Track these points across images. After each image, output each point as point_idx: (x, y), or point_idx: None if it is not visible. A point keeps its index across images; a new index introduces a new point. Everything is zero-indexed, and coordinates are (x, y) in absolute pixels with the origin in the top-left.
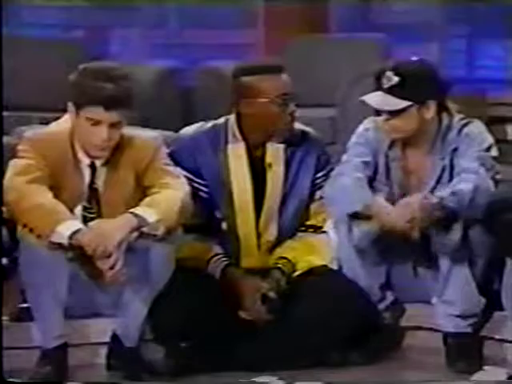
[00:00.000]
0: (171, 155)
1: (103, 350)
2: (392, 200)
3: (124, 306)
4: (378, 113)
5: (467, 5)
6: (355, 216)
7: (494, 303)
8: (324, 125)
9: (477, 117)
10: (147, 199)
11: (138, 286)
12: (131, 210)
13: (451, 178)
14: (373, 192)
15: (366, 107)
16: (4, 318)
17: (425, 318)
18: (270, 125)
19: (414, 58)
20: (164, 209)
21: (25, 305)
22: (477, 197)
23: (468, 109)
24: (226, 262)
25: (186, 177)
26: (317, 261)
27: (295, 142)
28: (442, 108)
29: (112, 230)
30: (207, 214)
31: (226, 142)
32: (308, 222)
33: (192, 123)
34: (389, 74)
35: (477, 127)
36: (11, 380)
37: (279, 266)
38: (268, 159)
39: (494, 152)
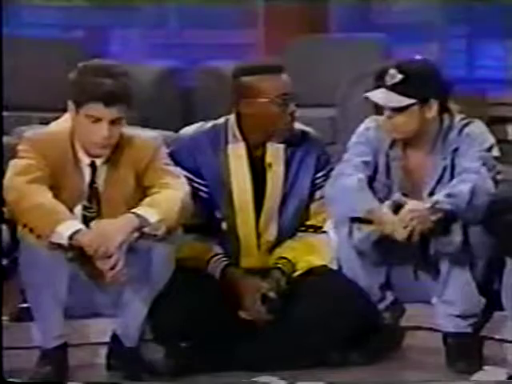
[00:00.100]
0: (171, 155)
1: (103, 350)
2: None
3: (124, 305)
4: (378, 112)
5: (467, 5)
6: (356, 219)
7: (493, 303)
8: (324, 125)
9: (477, 117)
10: (148, 199)
11: (138, 286)
12: (133, 210)
13: (452, 178)
14: (373, 192)
15: (365, 107)
16: (4, 317)
17: (425, 318)
18: (269, 125)
19: (418, 57)
20: (165, 209)
21: (25, 305)
22: (476, 198)
23: (468, 109)
24: (225, 262)
25: (186, 177)
26: (317, 261)
27: (295, 142)
28: (443, 108)
29: (114, 230)
30: (207, 214)
31: (226, 142)
32: (308, 222)
33: (192, 123)
34: (392, 71)
35: (478, 127)
36: (11, 380)
37: (279, 266)
38: (268, 159)
39: (496, 152)
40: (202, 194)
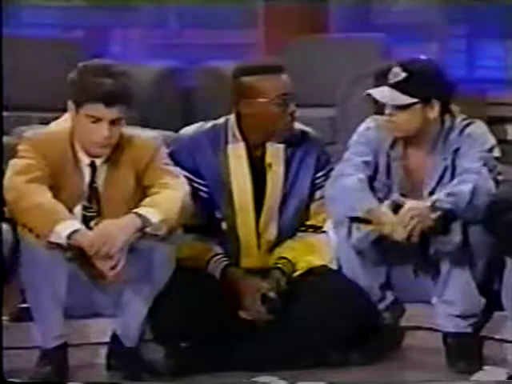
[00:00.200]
0: (171, 155)
1: (103, 350)
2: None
3: (124, 305)
4: (378, 112)
5: (467, 5)
6: (355, 219)
7: (493, 303)
8: (324, 125)
9: (477, 117)
10: (148, 199)
11: (138, 286)
12: (135, 211)
13: (453, 179)
14: (373, 193)
15: (365, 107)
16: (4, 317)
17: (425, 318)
18: (270, 125)
19: (422, 57)
20: (165, 209)
21: (25, 305)
22: (476, 198)
23: (468, 109)
24: (225, 262)
25: (185, 177)
26: (317, 261)
27: (295, 142)
28: (445, 109)
29: (117, 230)
30: (207, 214)
31: (226, 142)
32: (308, 222)
33: (192, 123)
34: (396, 69)
35: (479, 128)
36: (11, 380)
37: (279, 266)
38: (268, 159)
39: (497, 153)
40: (201, 194)
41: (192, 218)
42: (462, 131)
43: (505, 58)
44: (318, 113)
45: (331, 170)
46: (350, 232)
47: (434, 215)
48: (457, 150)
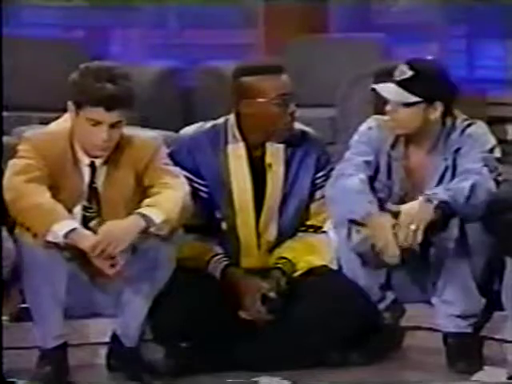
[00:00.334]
0: (171, 155)
1: (103, 350)
2: (392, 200)
3: (124, 305)
4: (379, 112)
5: (467, 5)
6: (355, 221)
7: (494, 303)
8: (324, 125)
9: (477, 117)
10: (150, 200)
11: (138, 286)
12: (138, 211)
13: (453, 179)
14: (374, 193)
15: (365, 107)
16: (4, 317)
17: (425, 318)
18: (269, 125)
19: (429, 57)
20: (167, 209)
21: (25, 305)
22: (475, 196)
23: (468, 109)
24: (226, 262)
25: (185, 177)
26: (317, 261)
27: (295, 142)
28: (447, 111)
29: (122, 231)
30: (207, 214)
31: (226, 142)
32: (308, 222)
33: (192, 123)
34: (403, 67)
35: (480, 128)
36: (11, 380)
37: (279, 265)
38: (268, 159)
39: (497, 153)
40: (201, 194)
41: (192, 218)
42: (463, 131)
43: (505, 58)
44: (317, 113)
45: (331, 170)
46: (349, 234)
47: (431, 206)
48: (457, 150)
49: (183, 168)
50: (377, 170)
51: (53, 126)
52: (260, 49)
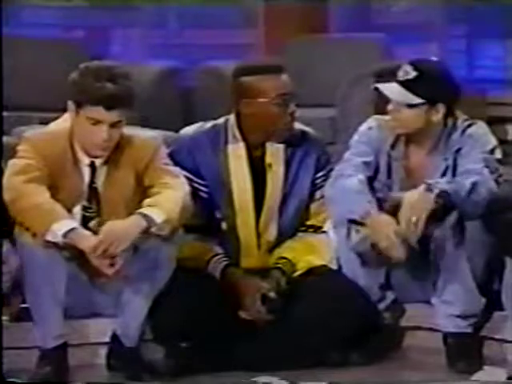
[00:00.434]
0: (171, 155)
1: (103, 350)
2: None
3: (124, 305)
4: (379, 112)
5: (467, 5)
6: (354, 221)
7: (494, 303)
8: (324, 125)
9: (477, 117)
10: (150, 200)
11: (138, 286)
12: (139, 211)
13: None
14: (373, 193)
15: (365, 107)
16: (4, 317)
17: (425, 318)
18: (270, 125)
19: (434, 58)
20: (168, 209)
21: (25, 305)
22: (476, 192)
23: (468, 109)
24: (225, 262)
25: (185, 177)
26: (317, 261)
27: (295, 142)
28: (449, 112)
29: (123, 231)
30: (207, 214)
31: (226, 142)
32: (308, 222)
33: (192, 123)
34: (407, 67)
35: (481, 128)
36: (11, 380)
37: (279, 265)
38: (268, 159)
39: (498, 154)
40: (201, 194)
41: (192, 218)
42: (463, 132)
43: (505, 58)
44: (317, 113)
45: (331, 170)
46: (349, 234)
47: (431, 196)
48: (458, 151)
49: (183, 168)
50: (376, 170)
51: (52, 125)
52: (260, 49)
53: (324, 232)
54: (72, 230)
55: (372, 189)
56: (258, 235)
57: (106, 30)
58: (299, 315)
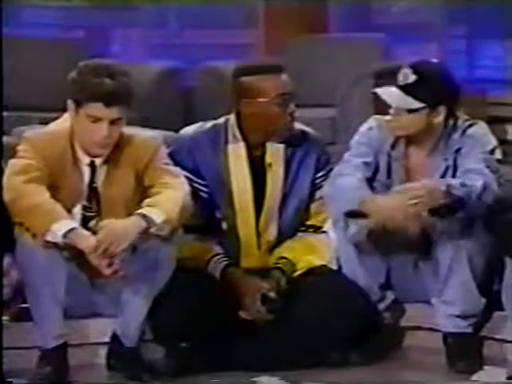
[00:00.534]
0: (171, 155)
1: (103, 350)
2: None
3: (124, 305)
4: (379, 112)
5: (467, 5)
6: (352, 214)
7: (494, 303)
8: (324, 125)
9: (477, 117)
10: (150, 200)
11: (138, 286)
12: (139, 211)
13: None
14: (372, 192)
15: (365, 107)
16: (4, 317)
17: (425, 318)
18: (270, 125)
19: (433, 60)
20: (167, 209)
21: (25, 305)
22: (486, 194)
23: (468, 109)
24: (225, 262)
25: (186, 177)
26: (317, 261)
27: (295, 141)
28: (450, 113)
29: (123, 231)
30: (207, 214)
31: (226, 142)
32: (308, 222)
33: (192, 123)
34: (407, 71)
35: (481, 128)
36: (11, 380)
37: (279, 265)
38: (268, 159)
39: (498, 154)
40: (202, 194)
41: (192, 218)
42: (464, 132)
43: (505, 58)
44: (317, 113)
45: (331, 170)
46: (347, 227)
47: (445, 200)
48: (458, 151)
49: (183, 168)
50: (376, 170)
51: (52, 125)
52: (260, 49)
53: (324, 232)
54: (72, 230)
55: (372, 189)
56: (258, 235)
57: (105, 29)
58: (299, 315)
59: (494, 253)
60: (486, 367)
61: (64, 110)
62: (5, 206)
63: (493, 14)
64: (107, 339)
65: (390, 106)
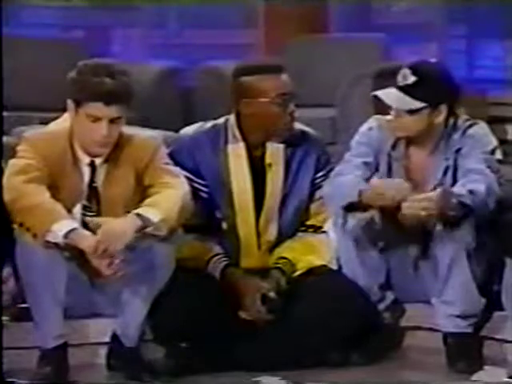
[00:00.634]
0: (171, 155)
1: (103, 350)
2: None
3: (124, 305)
4: (380, 112)
5: (467, 5)
6: (351, 208)
7: (494, 303)
8: (324, 125)
9: (477, 117)
10: (149, 200)
11: (138, 286)
12: (135, 211)
13: (454, 178)
14: None
15: (365, 107)
16: (4, 317)
17: (425, 318)
18: (269, 125)
19: (432, 60)
20: (166, 208)
21: (25, 305)
22: (490, 198)
23: (468, 109)
24: (225, 262)
25: (186, 177)
26: (317, 261)
27: (295, 141)
28: (451, 112)
29: (120, 230)
30: (207, 213)
31: (226, 142)
32: (308, 222)
33: (192, 123)
34: (406, 72)
35: (481, 129)
36: (11, 380)
37: (279, 266)
38: (268, 159)
39: (499, 155)
40: (202, 194)
41: (192, 218)
42: (464, 132)
43: (505, 58)
44: (317, 113)
45: (331, 170)
46: (345, 222)
47: (456, 209)
48: (458, 150)
49: (183, 168)
50: (377, 170)
51: (52, 125)
52: (260, 49)
53: (324, 232)
54: (73, 230)
55: None
56: (258, 235)
57: (105, 29)
58: (299, 315)
59: (494, 253)
60: (486, 367)
61: (64, 109)
62: (5, 206)
63: (493, 14)
64: (107, 339)
65: (390, 107)
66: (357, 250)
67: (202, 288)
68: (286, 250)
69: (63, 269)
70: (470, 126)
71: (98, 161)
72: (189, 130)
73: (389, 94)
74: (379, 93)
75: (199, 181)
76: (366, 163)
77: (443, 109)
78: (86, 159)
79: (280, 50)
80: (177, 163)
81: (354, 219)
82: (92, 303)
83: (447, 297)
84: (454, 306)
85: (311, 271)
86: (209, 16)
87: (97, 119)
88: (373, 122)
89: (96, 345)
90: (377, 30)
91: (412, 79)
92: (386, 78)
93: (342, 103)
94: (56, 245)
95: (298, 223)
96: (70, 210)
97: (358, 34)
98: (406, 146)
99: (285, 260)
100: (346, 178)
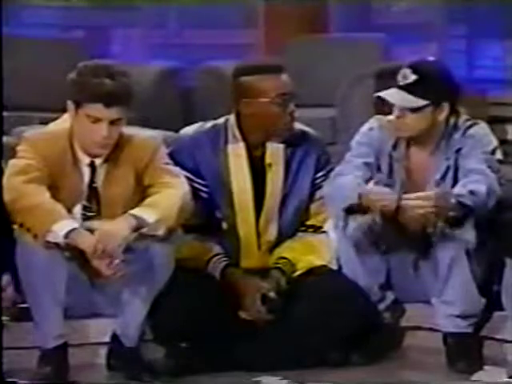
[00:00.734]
0: (171, 155)
1: (103, 350)
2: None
3: (124, 305)
4: (381, 112)
5: (467, 5)
6: (352, 210)
7: (494, 303)
8: (324, 125)
9: (477, 117)
10: (147, 200)
11: (137, 286)
12: (130, 212)
13: (455, 178)
14: None
15: (365, 107)
16: (4, 317)
17: (425, 318)
18: (269, 125)
19: (431, 58)
20: (164, 208)
21: (25, 305)
22: (490, 199)
23: (468, 109)
24: (225, 262)
25: (186, 177)
26: (317, 261)
27: (295, 141)
28: (452, 110)
29: (116, 229)
30: (207, 213)
31: (226, 142)
32: (308, 222)
33: (192, 123)
34: (406, 71)
35: (482, 129)
36: (11, 380)
37: (279, 265)
38: (268, 159)
39: (499, 155)
40: (202, 194)
41: (192, 218)
42: (465, 132)
43: (505, 58)
44: (317, 113)
45: (331, 170)
46: (346, 224)
47: (455, 212)
48: (459, 150)
49: (183, 168)
50: (377, 171)
51: (52, 126)
52: (260, 49)
53: (324, 232)
54: (73, 230)
55: None
56: (258, 235)
57: (106, 29)
58: (299, 315)
59: (493, 253)
60: (486, 367)
61: (64, 110)
62: (5, 206)
63: (493, 14)
64: (107, 339)
65: (391, 107)
66: (357, 252)
67: (202, 288)
68: (286, 250)
69: (63, 269)
70: (471, 126)
71: (97, 161)
72: (189, 129)
73: (392, 94)
74: (382, 94)
75: (199, 181)
76: (366, 163)
77: (445, 106)
78: (85, 159)
79: (280, 50)
80: (177, 163)
81: (355, 222)
82: (92, 303)
83: (447, 297)
84: (454, 306)
85: (311, 271)
86: (209, 16)
87: (97, 120)
88: (373, 122)
89: (96, 345)
90: (377, 30)
91: (412, 78)
92: (387, 78)
93: (342, 103)
94: (56, 245)
95: (298, 223)
96: (70, 210)
97: (358, 34)
98: (406, 146)
99: (285, 260)
100: (347, 179)
